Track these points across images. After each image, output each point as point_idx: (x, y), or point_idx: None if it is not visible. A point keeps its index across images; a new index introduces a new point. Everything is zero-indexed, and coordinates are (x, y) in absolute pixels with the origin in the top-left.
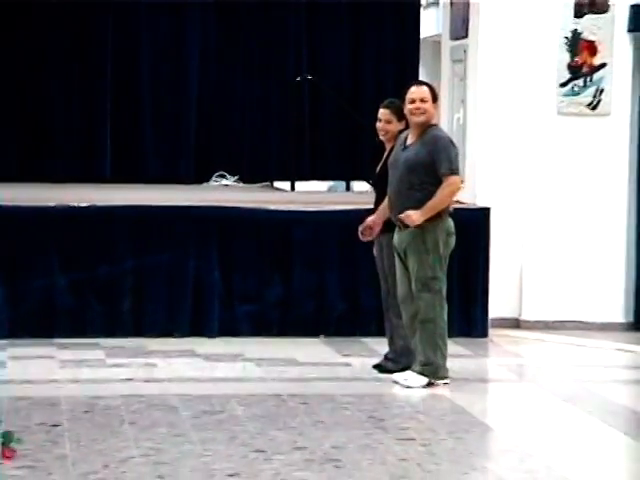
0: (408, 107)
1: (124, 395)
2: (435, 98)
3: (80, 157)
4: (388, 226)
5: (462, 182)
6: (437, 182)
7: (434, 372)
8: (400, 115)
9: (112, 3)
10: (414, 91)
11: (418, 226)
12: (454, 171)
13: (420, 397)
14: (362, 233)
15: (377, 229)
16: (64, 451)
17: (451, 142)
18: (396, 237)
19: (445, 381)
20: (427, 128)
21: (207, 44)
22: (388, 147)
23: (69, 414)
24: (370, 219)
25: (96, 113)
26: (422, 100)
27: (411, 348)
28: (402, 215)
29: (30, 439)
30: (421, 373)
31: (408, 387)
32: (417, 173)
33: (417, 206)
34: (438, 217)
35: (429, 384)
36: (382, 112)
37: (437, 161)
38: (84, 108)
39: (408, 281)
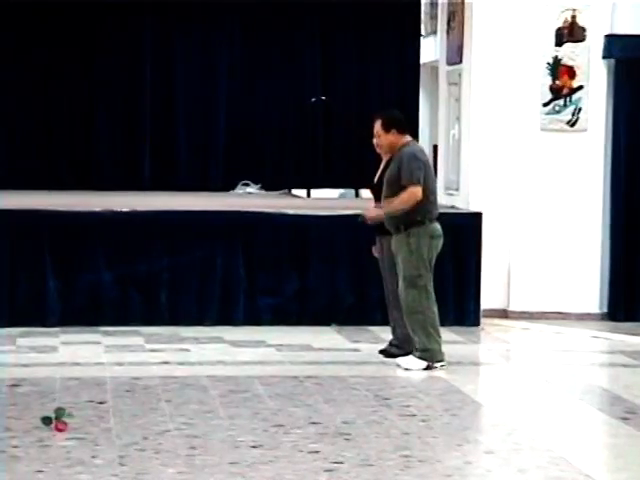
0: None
1: (161, 376)
2: (388, 126)
3: (122, 167)
4: (388, 231)
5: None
6: (426, 191)
7: (431, 357)
8: (388, 126)
9: (150, 24)
10: (373, 126)
11: (405, 231)
12: (413, 182)
13: (420, 378)
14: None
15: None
16: (109, 425)
17: (415, 156)
18: (391, 241)
19: (442, 364)
20: (401, 147)
21: (233, 67)
22: (384, 159)
23: (113, 392)
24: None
25: (136, 128)
26: (377, 134)
27: (411, 336)
28: (364, 210)
29: (79, 414)
30: (420, 358)
31: (408, 369)
32: (393, 187)
33: (403, 214)
34: (421, 223)
35: (428, 367)
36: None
37: (401, 174)
38: (126, 124)
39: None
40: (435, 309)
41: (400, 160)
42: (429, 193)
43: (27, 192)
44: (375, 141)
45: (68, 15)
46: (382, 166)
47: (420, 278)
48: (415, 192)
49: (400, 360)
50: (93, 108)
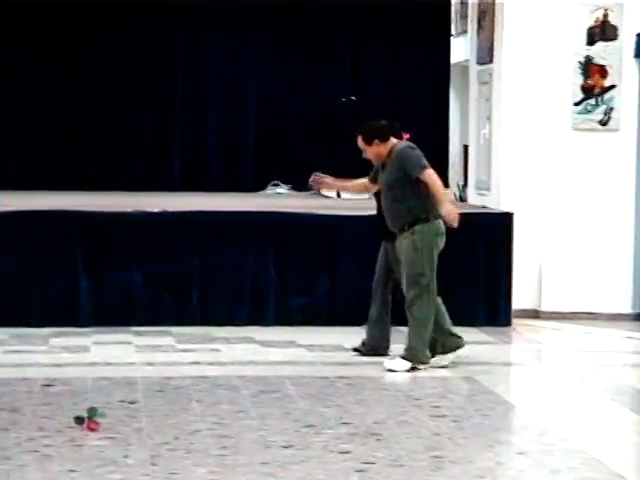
0: None
1: (192, 376)
2: (369, 139)
3: (153, 168)
4: (392, 235)
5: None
6: (416, 188)
7: (414, 357)
8: (368, 139)
9: (180, 25)
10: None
11: (409, 229)
12: (422, 167)
13: (451, 378)
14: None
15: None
16: (140, 425)
17: (409, 147)
18: (397, 243)
19: (424, 366)
20: (391, 151)
21: (263, 67)
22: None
23: (145, 392)
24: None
25: (167, 129)
26: (363, 150)
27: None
28: (449, 214)
29: (111, 414)
30: (404, 358)
31: (391, 370)
32: (397, 188)
33: (407, 214)
34: (426, 220)
35: (412, 368)
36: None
37: (406, 170)
38: (157, 125)
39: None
40: (432, 311)
41: (397, 161)
42: (425, 190)
43: (59, 193)
44: (364, 156)
45: (99, 16)
46: (373, 171)
47: (423, 277)
48: (431, 174)
49: (386, 362)
50: (124, 109)
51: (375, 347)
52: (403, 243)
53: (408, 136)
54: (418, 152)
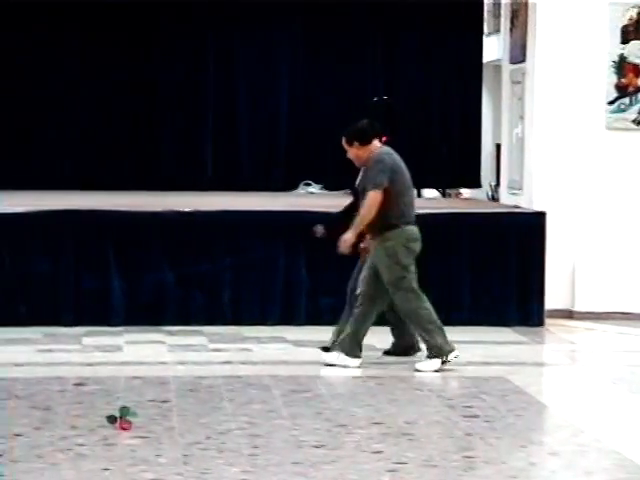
0: None
1: (224, 376)
2: (350, 141)
3: (185, 168)
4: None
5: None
6: (387, 195)
7: (440, 351)
8: (349, 140)
9: (212, 25)
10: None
11: (381, 235)
12: (372, 186)
13: (483, 379)
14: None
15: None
16: (172, 424)
17: (378, 160)
18: (370, 246)
19: (454, 354)
20: (369, 157)
21: (296, 66)
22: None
23: (176, 392)
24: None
25: (199, 129)
26: (347, 150)
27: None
28: (340, 242)
29: (143, 413)
30: (431, 357)
31: (419, 371)
32: (364, 196)
33: (378, 220)
34: (396, 226)
35: (443, 362)
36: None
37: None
38: (189, 124)
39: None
40: (427, 305)
41: (366, 169)
42: (398, 195)
43: (91, 192)
44: (347, 156)
45: (131, 16)
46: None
47: (402, 280)
48: (373, 196)
49: (418, 365)
50: (156, 108)
51: (404, 347)
52: (377, 249)
53: (385, 139)
54: (383, 166)
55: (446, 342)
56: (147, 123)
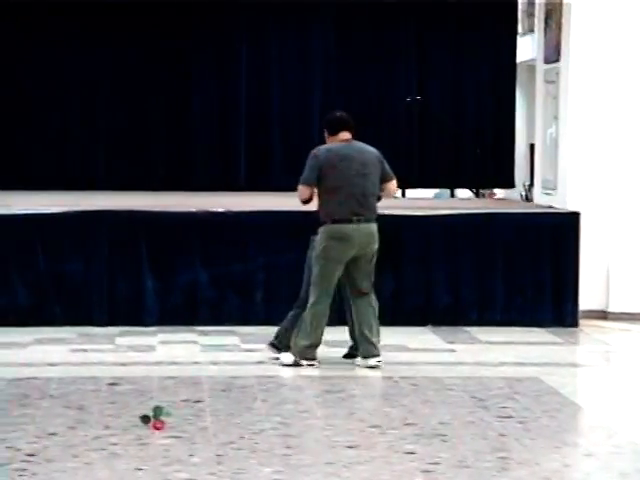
0: None
1: (257, 376)
2: (323, 129)
3: (218, 168)
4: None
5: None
6: (321, 190)
7: (299, 353)
8: (323, 127)
9: (245, 24)
10: None
11: (318, 229)
12: (301, 181)
13: (517, 379)
14: None
15: None
16: (206, 424)
17: (312, 156)
18: None
19: (310, 362)
20: None
21: (328, 67)
22: None
23: (209, 392)
24: None
25: (232, 129)
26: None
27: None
28: None
29: (176, 413)
30: (292, 352)
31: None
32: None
33: (319, 215)
34: (324, 223)
35: (295, 363)
36: None
37: None
38: (222, 126)
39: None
40: (320, 308)
41: None
42: (328, 193)
43: (124, 193)
44: None
45: (163, 17)
46: None
47: (317, 277)
48: (299, 190)
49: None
50: (189, 109)
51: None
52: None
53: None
54: (314, 162)
55: (309, 350)
56: (180, 124)
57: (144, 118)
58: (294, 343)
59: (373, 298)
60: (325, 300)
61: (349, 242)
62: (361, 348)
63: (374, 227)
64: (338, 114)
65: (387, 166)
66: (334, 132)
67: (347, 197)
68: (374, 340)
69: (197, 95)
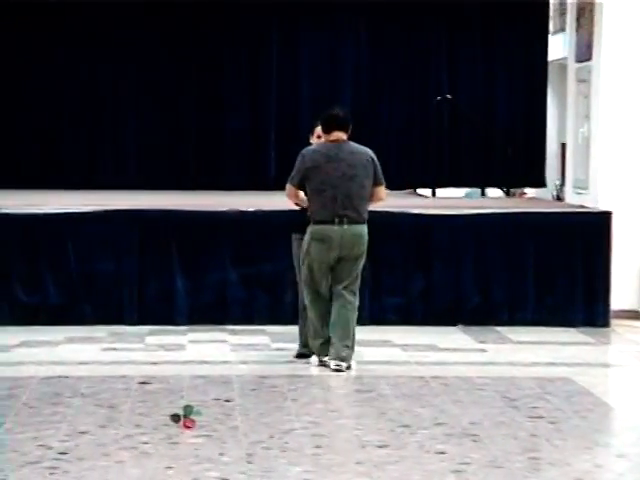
0: None
1: (287, 375)
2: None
3: (248, 167)
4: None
5: (296, 192)
6: (309, 192)
7: (314, 352)
8: (320, 124)
9: (277, 25)
10: None
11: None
12: (289, 180)
13: (548, 379)
14: None
15: None
16: (236, 423)
17: (299, 155)
18: None
19: (324, 359)
20: None
21: (359, 66)
22: None
23: (239, 391)
24: None
25: (262, 129)
26: None
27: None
28: None
29: (206, 412)
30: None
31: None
32: None
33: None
34: (310, 223)
35: (321, 363)
36: None
37: None
38: (252, 125)
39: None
40: (317, 307)
41: None
42: (313, 194)
43: (155, 192)
44: None
45: (195, 17)
46: None
47: (305, 277)
48: (286, 189)
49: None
50: (220, 109)
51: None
52: None
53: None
54: (300, 163)
55: (321, 348)
56: (211, 124)
57: (175, 118)
58: (311, 345)
59: (351, 300)
60: (319, 299)
61: (330, 243)
62: (330, 349)
63: (360, 228)
64: (334, 113)
65: (379, 169)
66: (326, 131)
67: (331, 199)
68: (337, 343)
69: (228, 95)
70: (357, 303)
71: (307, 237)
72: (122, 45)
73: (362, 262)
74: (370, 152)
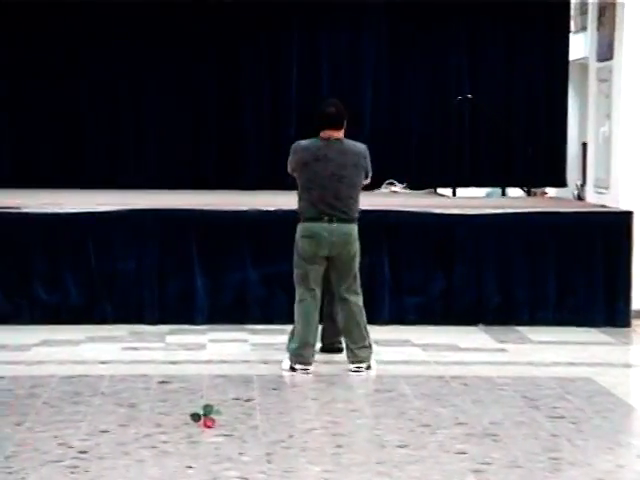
0: None
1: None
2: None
3: (269, 168)
4: None
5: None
6: (299, 188)
7: (290, 356)
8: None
9: (296, 24)
10: None
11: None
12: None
13: (569, 379)
14: None
15: None
16: (256, 422)
17: (291, 151)
18: None
19: (302, 367)
20: None
21: (379, 65)
22: None
23: (260, 390)
24: None
25: (282, 128)
26: None
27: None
28: None
29: (226, 411)
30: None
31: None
32: None
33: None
34: (300, 220)
35: (291, 368)
36: None
37: None
38: (272, 125)
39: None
40: (305, 308)
41: None
42: (302, 190)
43: (176, 192)
44: None
45: (214, 17)
46: None
47: (295, 275)
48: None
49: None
50: (240, 108)
51: (332, 343)
52: None
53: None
54: (291, 158)
55: (300, 354)
56: (231, 123)
57: (196, 118)
58: (287, 347)
59: (356, 302)
60: (307, 297)
61: (319, 241)
62: (347, 353)
63: (350, 227)
64: (326, 111)
65: (369, 163)
66: (322, 126)
67: (319, 198)
68: (352, 347)
69: (248, 94)
70: (361, 302)
71: (297, 235)
72: (143, 45)
73: (357, 261)
74: (363, 149)
